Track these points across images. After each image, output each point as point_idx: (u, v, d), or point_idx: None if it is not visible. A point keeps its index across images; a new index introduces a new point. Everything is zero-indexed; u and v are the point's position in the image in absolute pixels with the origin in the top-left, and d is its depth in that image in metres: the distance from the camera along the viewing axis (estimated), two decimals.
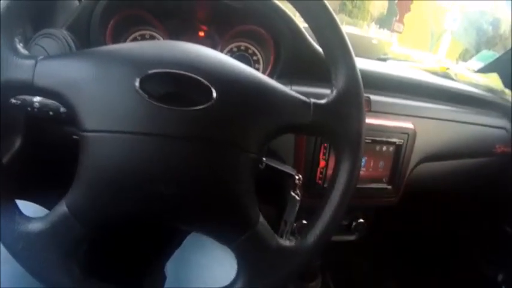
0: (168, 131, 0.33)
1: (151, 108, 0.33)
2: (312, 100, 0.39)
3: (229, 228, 0.37)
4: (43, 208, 0.54)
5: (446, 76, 0.89)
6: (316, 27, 0.41)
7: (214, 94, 0.34)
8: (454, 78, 0.89)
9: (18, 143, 0.64)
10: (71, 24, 0.61)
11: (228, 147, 0.35)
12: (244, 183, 0.36)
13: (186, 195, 0.34)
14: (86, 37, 0.61)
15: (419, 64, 0.96)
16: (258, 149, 0.36)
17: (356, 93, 0.40)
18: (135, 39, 0.66)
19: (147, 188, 0.34)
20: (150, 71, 0.33)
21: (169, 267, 0.61)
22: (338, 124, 0.40)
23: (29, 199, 0.53)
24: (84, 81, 0.34)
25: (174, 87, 0.34)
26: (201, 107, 0.33)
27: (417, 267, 1.16)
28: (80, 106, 0.34)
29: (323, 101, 0.39)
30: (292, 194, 0.59)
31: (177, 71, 0.34)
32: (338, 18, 0.41)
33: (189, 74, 0.34)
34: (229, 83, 0.35)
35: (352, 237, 0.82)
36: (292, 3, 0.41)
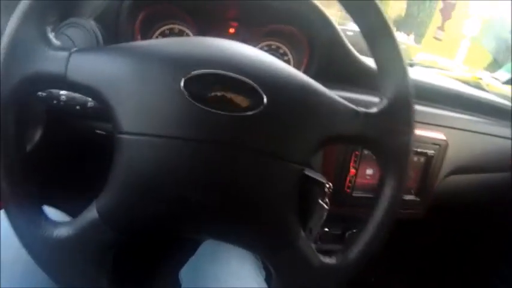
0: (215, 137, 0.31)
1: (196, 111, 0.30)
2: (362, 109, 0.36)
3: (270, 242, 0.35)
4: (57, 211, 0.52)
5: (478, 86, 0.86)
6: (368, 30, 0.38)
7: (265, 100, 0.31)
8: (486, 89, 0.86)
9: (37, 136, 0.62)
10: (99, 15, 0.58)
11: (275, 157, 0.33)
12: (288, 197, 0.34)
13: (229, 206, 0.32)
14: (113, 29, 0.59)
15: (449, 72, 0.93)
16: (305, 160, 0.34)
17: (407, 104, 0.38)
18: (163, 33, 0.64)
19: (189, 197, 0.31)
20: (196, 71, 0.31)
21: (185, 276, 0.59)
22: (387, 137, 0.37)
23: (48, 203, 0.51)
24: (124, 78, 0.31)
25: (221, 89, 0.31)
26: (251, 113, 0.31)
27: (427, 282, 1.13)
28: (118, 105, 0.31)
29: (373, 111, 0.37)
30: (321, 202, 0.57)
31: (227, 73, 0.31)
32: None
33: (241, 77, 0.31)
34: (280, 89, 0.33)
35: None
36: (341, 4, 0.38)
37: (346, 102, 0.36)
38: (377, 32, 0.38)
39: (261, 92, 0.31)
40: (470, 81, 0.87)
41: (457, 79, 0.88)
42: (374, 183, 0.64)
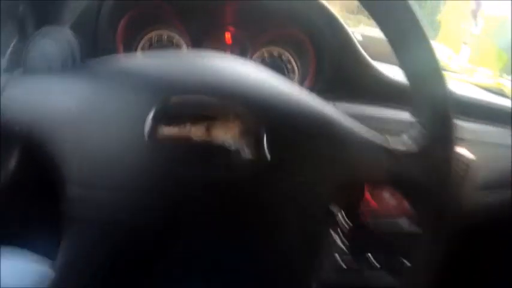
0: (200, 206, 0.24)
1: (173, 169, 0.23)
2: (394, 147, 0.29)
3: None
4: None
5: (501, 93, 0.78)
6: (395, 33, 0.30)
7: (266, 148, 0.24)
8: (509, 96, 0.78)
9: (13, 162, 0.55)
10: (76, 21, 0.51)
11: (284, 216, 0.25)
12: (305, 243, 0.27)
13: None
14: (92, 37, 0.51)
15: (467, 77, 0.85)
16: (321, 220, 0.27)
17: (449, 136, 0.30)
18: (149, 41, 0.56)
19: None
20: (171, 105, 0.24)
21: None
22: (427, 182, 0.30)
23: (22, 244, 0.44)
24: (71, 114, 0.25)
25: (204, 129, 0.24)
26: (248, 172, 0.23)
27: None
28: (63, 152, 0.24)
29: (412, 150, 0.29)
30: (333, 235, 0.51)
31: (214, 109, 0.24)
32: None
33: (234, 116, 0.24)
34: (288, 127, 0.25)
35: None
36: (362, 3, 0.30)
37: (374, 138, 0.29)
38: (407, 35, 0.30)
39: (261, 133, 0.24)
40: (493, 88, 0.79)
41: (478, 85, 0.80)
42: (390, 209, 0.57)
